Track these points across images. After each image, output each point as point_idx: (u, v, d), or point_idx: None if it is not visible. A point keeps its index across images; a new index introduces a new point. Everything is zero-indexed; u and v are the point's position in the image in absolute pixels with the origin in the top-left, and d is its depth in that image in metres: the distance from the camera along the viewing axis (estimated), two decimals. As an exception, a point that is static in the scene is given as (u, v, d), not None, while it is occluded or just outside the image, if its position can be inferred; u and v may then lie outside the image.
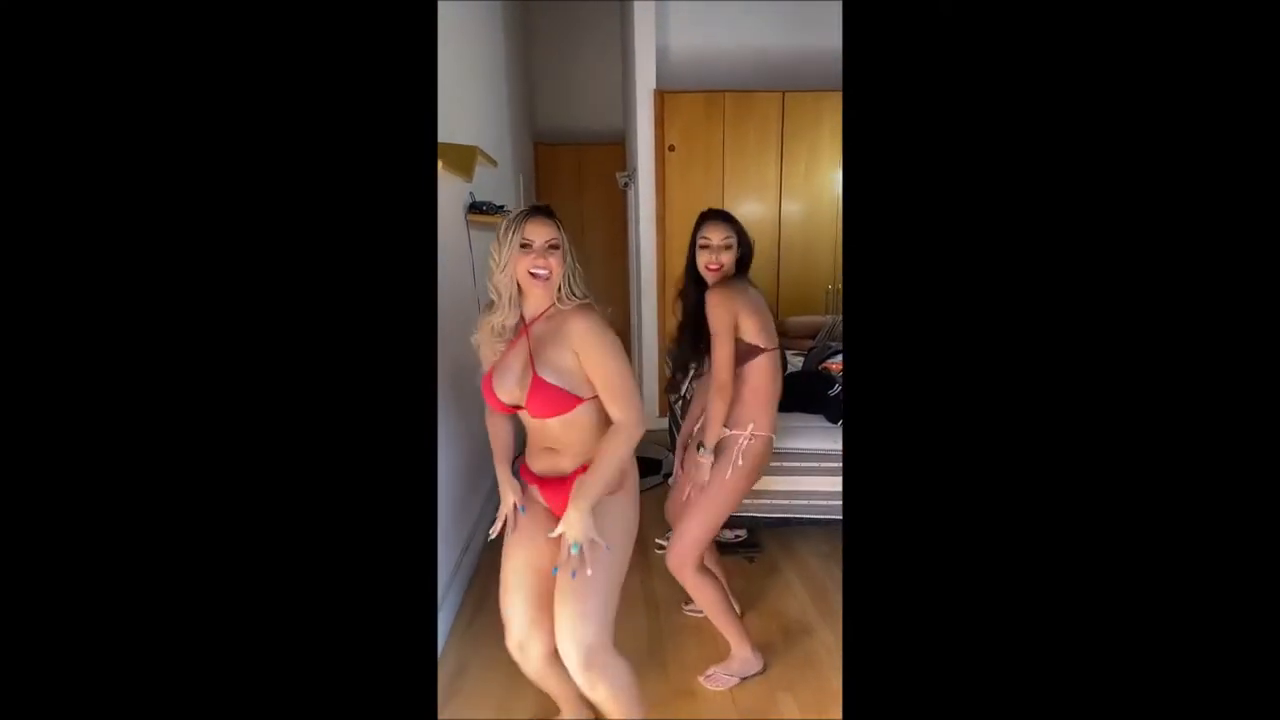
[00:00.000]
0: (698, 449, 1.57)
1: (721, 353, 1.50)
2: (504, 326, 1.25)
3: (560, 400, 1.19)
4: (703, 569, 1.62)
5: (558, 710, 1.48)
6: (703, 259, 1.53)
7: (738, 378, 1.54)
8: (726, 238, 1.52)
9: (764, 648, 1.76)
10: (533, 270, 1.18)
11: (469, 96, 2.57)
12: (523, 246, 1.18)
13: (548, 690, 1.39)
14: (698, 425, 1.70)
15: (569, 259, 1.22)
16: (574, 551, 1.15)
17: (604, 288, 5.02)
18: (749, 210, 3.61)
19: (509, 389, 1.24)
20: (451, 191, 2.06)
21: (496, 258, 1.21)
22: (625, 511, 1.27)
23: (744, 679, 1.67)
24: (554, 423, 1.24)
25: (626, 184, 4.10)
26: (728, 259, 1.52)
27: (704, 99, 3.44)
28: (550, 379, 1.18)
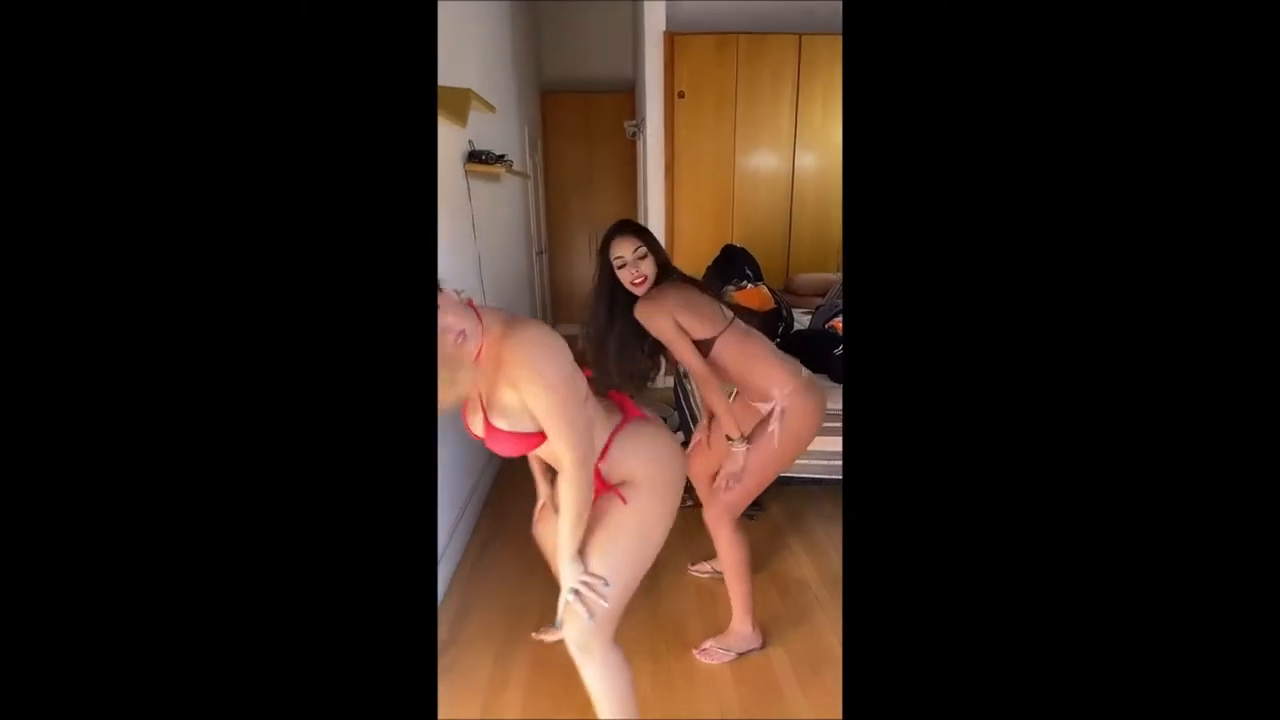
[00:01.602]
0: (728, 441, 1.55)
1: (683, 353, 1.50)
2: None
3: (520, 442, 1.12)
4: (739, 527, 1.61)
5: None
6: (626, 277, 1.51)
7: (713, 366, 1.54)
8: (637, 248, 1.49)
9: (758, 604, 1.74)
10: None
11: (471, 42, 2.46)
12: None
13: None
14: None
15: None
16: (569, 599, 1.12)
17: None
18: (761, 162, 3.48)
19: (476, 426, 1.17)
20: (446, 139, 1.98)
21: None
22: (627, 529, 1.19)
23: (740, 655, 1.65)
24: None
25: (635, 133, 3.97)
26: (648, 267, 1.50)
27: (715, 41, 3.28)
28: (503, 425, 1.10)
